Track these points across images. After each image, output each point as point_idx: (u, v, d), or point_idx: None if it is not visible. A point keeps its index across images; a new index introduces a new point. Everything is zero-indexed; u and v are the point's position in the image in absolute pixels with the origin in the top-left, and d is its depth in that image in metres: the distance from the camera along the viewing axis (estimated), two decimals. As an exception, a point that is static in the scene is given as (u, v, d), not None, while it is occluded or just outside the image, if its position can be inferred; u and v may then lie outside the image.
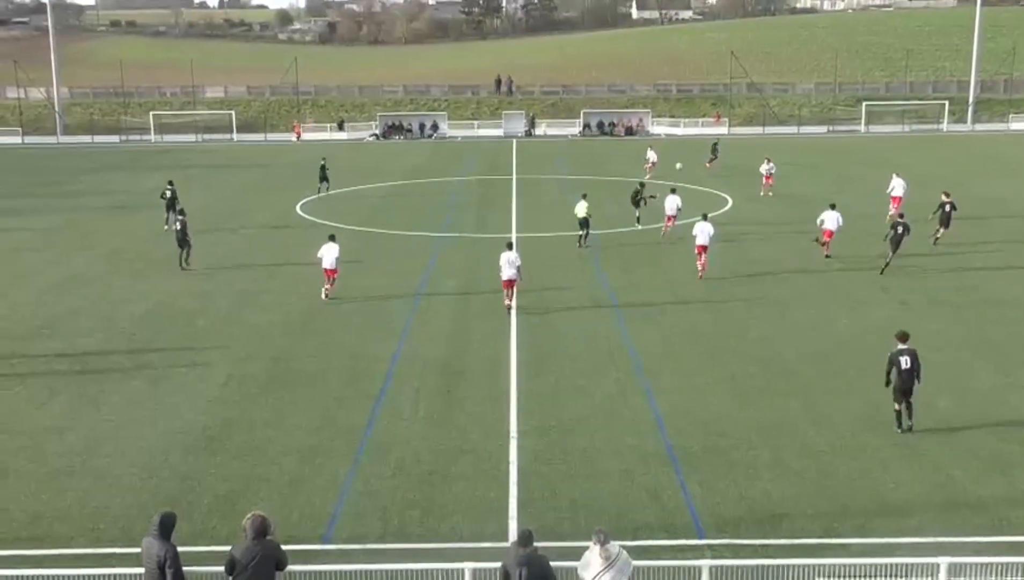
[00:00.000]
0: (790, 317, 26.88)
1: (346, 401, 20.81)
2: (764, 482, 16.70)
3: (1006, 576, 12.04)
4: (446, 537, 14.93)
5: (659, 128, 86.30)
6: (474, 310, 28.10)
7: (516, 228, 39.40)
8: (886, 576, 12.01)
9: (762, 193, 48.59)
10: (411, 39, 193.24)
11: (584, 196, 37.07)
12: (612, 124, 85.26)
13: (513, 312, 27.27)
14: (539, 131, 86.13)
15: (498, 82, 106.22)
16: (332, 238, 29.71)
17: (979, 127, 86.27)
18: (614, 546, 11.54)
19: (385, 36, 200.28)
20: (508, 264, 27.18)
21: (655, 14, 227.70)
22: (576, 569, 11.72)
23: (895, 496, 16.14)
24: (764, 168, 48.95)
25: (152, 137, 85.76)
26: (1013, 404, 20.19)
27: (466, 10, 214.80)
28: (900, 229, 31.94)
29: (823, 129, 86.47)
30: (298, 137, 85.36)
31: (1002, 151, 67.34)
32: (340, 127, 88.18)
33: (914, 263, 32.94)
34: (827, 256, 33.60)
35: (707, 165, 58.87)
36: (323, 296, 29.03)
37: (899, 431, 18.80)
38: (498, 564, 11.90)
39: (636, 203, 40.06)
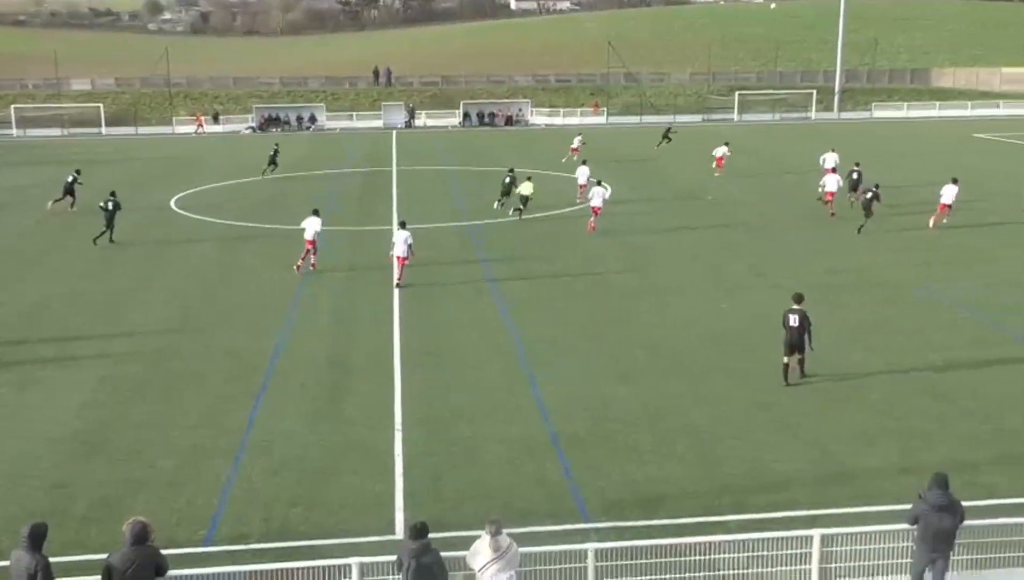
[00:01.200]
0: (673, 302, 27.40)
1: (227, 399, 20.39)
2: (648, 464, 17.01)
3: (873, 543, 12.52)
4: (332, 533, 14.77)
5: (539, 118, 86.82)
6: (357, 303, 27.86)
7: (397, 220, 39.15)
8: (762, 550, 12.36)
9: (717, 174, 50.73)
10: (287, 30, 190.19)
11: (529, 178, 39.94)
12: (492, 114, 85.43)
13: (396, 293, 27.16)
14: (419, 122, 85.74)
15: (376, 73, 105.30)
16: (316, 213, 31.30)
17: (845, 115, 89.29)
18: (505, 538, 11.60)
19: (260, 27, 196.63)
20: (401, 241, 28.66)
21: (534, 4, 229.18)
22: (465, 558, 11.76)
23: (773, 472, 16.64)
24: (718, 151, 51.69)
25: (14, 132, 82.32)
26: (881, 382, 20.99)
27: (343, 0, 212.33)
28: (871, 194, 36.35)
29: (698, 118, 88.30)
30: (200, 128, 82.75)
31: (864, 139, 69.84)
32: (215, 119, 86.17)
33: (787, 247, 34.00)
34: (930, 225, 36.56)
35: (655, 148, 61.93)
36: (295, 268, 30.69)
37: (785, 385, 20.45)
38: (384, 558, 11.84)
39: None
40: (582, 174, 43.02)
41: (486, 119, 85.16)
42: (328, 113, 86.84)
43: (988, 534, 12.70)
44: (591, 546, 12.15)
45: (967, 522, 12.66)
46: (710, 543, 12.39)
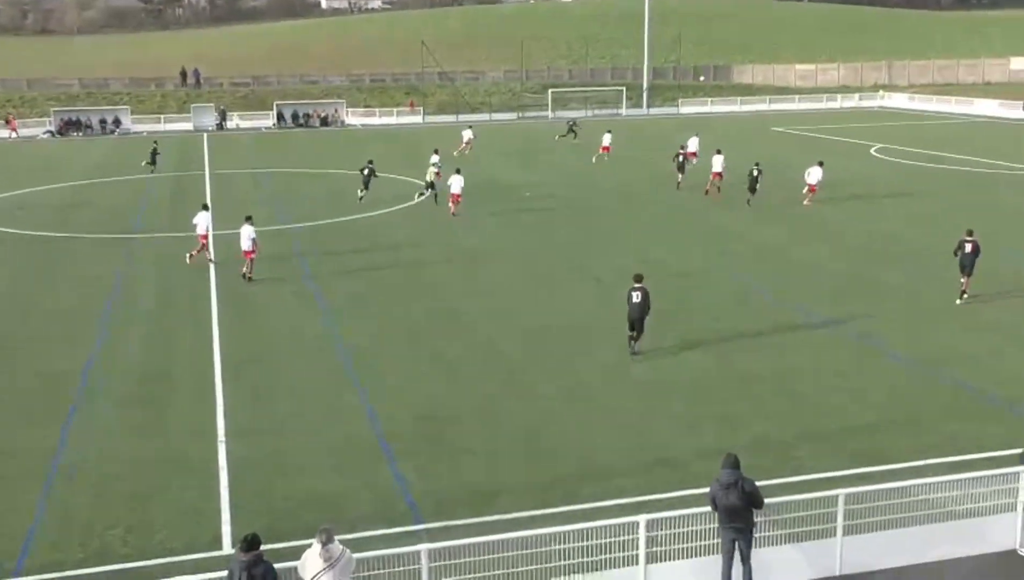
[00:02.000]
0: (496, 300, 27.66)
1: (35, 421, 19.32)
2: (478, 461, 17.14)
3: (697, 525, 13.01)
4: (155, 553, 14.22)
5: (355, 118, 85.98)
6: (172, 312, 26.91)
7: (213, 225, 38.01)
8: (592, 539, 12.63)
9: (603, 156, 54.58)
10: (85, 29, 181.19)
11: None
12: (307, 115, 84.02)
13: (214, 300, 26.40)
14: (231, 124, 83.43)
15: (184, 74, 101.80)
16: (205, 207, 32.67)
17: (654, 111, 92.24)
18: (337, 546, 11.43)
19: (55, 25, 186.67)
20: (246, 237, 29.47)
21: (345, 3, 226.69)
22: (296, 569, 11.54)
23: (600, 462, 17.05)
24: (607, 139, 55.26)
25: None
26: (696, 367, 21.82)
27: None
28: (756, 172, 40.55)
29: (513, 115, 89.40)
30: (14, 132, 77.31)
31: (668, 132, 72.37)
32: (7, 123, 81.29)
33: (605, 239, 34.90)
34: (805, 204, 40.49)
35: (556, 137, 65.30)
36: (187, 259, 31.57)
37: (632, 354, 22.40)
38: (213, 575, 11.51)
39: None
40: (456, 184, 40.04)
41: (301, 120, 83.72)
42: (134, 116, 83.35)
43: (796, 509, 13.36)
44: (424, 547, 12.13)
45: (781, 498, 13.34)
46: (541, 536, 12.57)
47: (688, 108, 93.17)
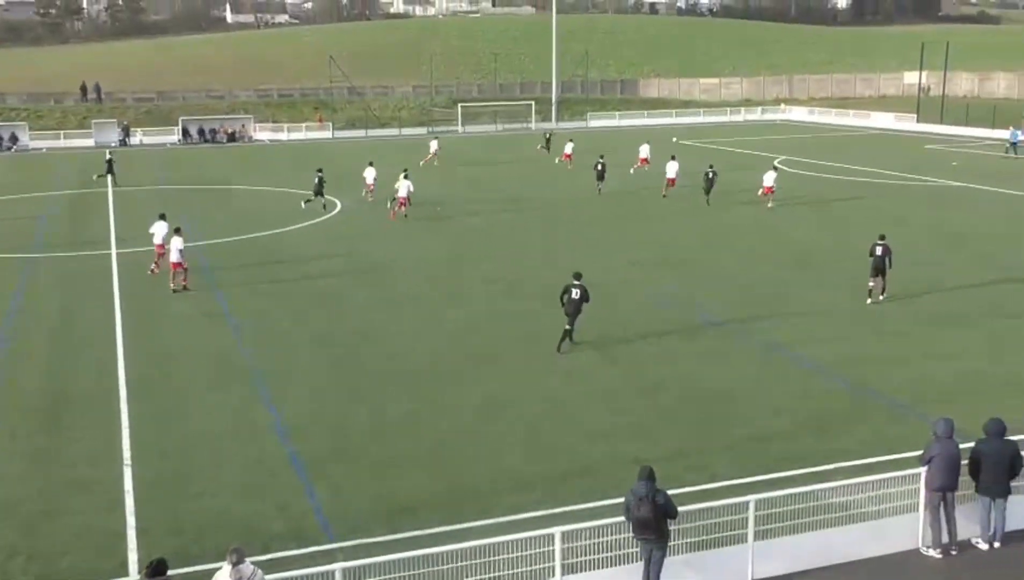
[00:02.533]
0: (407, 314, 27.51)
1: (-72, 447, 18.58)
2: (392, 477, 16.98)
3: (612, 535, 13.08)
4: (58, 581, 13.77)
5: (263, 134, 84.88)
6: (75, 331, 26.16)
7: (115, 244, 37.13)
8: (508, 553, 12.61)
9: (565, 164, 57.29)
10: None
11: (405, 171, 43.39)
12: (214, 131, 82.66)
13: (118, 319, 25.76)
14: (135, 140, 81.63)
15: (84, 89, 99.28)
16: (162, 217, 32.60)
17: (562, 125, 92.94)
18: (248, 567, 11.22)
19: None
20: (174, 249, 29.89)
21: (251, 18, 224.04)
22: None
23: (515, 474, 17.04)
24: (568, 148, 57.81)
25: None
26: (610, 378, 21.99)
27: (41, 11, 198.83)
28: (710, 174, 43.89)
29: (423, 130, 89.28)
30: None
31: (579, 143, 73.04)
32: None
33: (515, 251, 35.01)
34: (769, 206, 43.07)
35: (538, 148, 66.48)
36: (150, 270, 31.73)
37: (558, 352, 23.41)
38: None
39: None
40: (403, 188, 41.85)
41: (207, 135, 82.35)
42: (32, 132, 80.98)
43: (708, 516, 13.53)
44: (339, 566, 11.96)
45: (693, 506, 13.49)
46: (457, 551, 12.50)
47: (596, 122, 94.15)
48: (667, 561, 12.98)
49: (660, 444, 18.20)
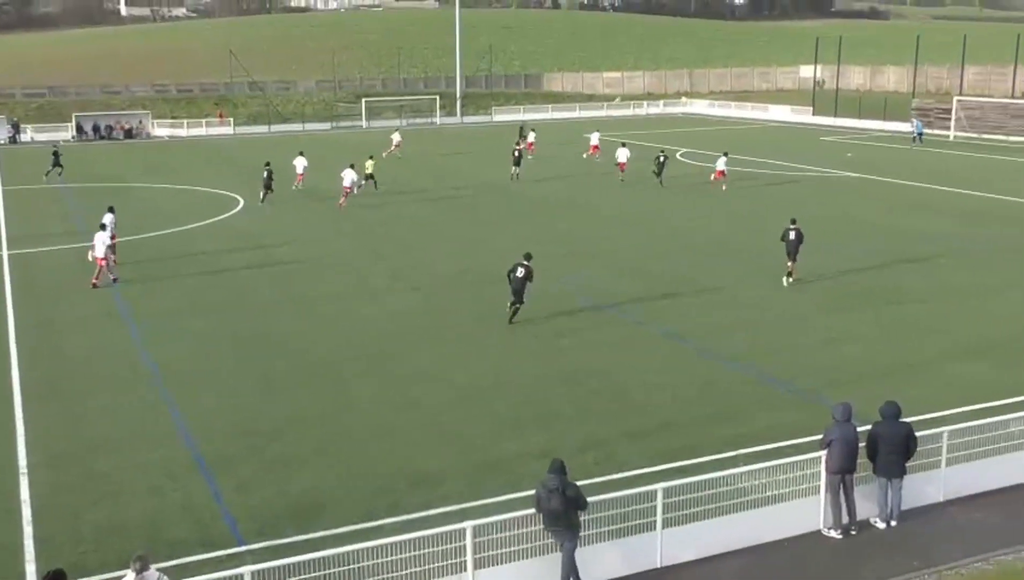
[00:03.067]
0: (316, 312, 27.21)
1: None
2: (301, 476, 16.80)
3: (524, 527, 13.15)
4: (-47, 595, 13.30)
5: (161, 130, 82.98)
6: (-35, 338, 25.25)
7: (7, 245, 35.92)
8: (420, 549, 12.58)
9: (530, 157, 57.17)
10: None
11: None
12: (110, 127, 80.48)
13: (11, 322, 24.95)
14: (25, 137, 79.03)
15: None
16: (105, 221, 31.92)
17: (468, 119, 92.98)
18: (153, 573, 11.00)
19: None
20: (100, 243, 29.71)
21: (147, 11, 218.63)
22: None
23: (425, 469, 16.99)
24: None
25: None
26: (520, 370, 22.09)
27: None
28: (661, 159, 48.10)
29: (327, 125, 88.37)
30: None
31: (488, 142, 73.18)
32: None
33: (422, 250, 34.92)
34: (723, 189, 46.57)
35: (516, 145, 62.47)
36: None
37: (510, 323, 25.22)
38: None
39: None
40: (348, 177, 43.44)
41: (103, 132, 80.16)
42: (-86, 130, 77.84)
43: (618, 505, 13.68)
44: (247, 569, 11.79)
45: (603, 496, 13.64)
46: (368, 549, 12.42)
47: (501, 116, 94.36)
48: (578, 551, 13.10)
49: (568, 435, 18.35)
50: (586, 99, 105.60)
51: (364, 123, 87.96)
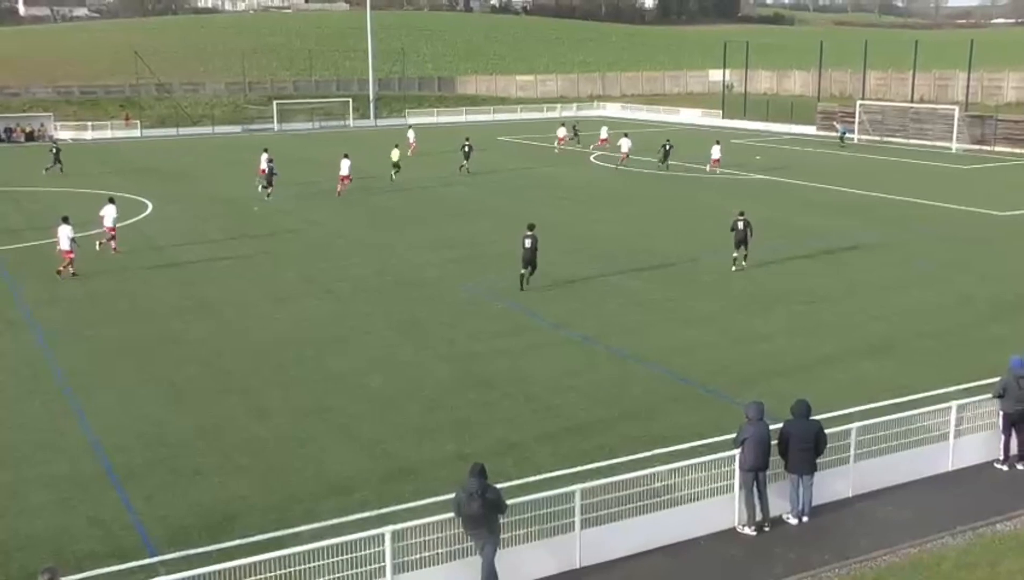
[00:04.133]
0: (224, 317, 26.75)
1: None
2: (213, 485, 16.48)
3: (440, 532, 13.08)
4: None
5: (65, 133, 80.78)
6: None
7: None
8: (337, 555, 12.44)
9: (407, 154, 56.94)
10: None
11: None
12: (9, 130, 78.14)
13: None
14: (-81, 140, 76.31)
15: None
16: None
17: (381, 122, 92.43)
18: (61, 586, 10.69)
19: None
20: (65, 237, 30.54)
21: (46, 11, 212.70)
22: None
23: (339, 476, 16.82)
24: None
25: None
26: (433, 376, 22.01)
27: None
28: (667, 146, 54.22)
29: (238, 128, 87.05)
30: None
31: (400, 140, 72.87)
32: None
33: (336, 251, 34.58)
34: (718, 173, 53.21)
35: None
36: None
37: (522, 289, 28.40)
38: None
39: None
40: (345, 165, 47.04)
41: (2, 135, 77.77)
42: None
43: (536, 507, 13.71)
44: (159, 581, 11.53)
45: (521, 498, 13.66)
46: (284, 557, 12.23)
47: (415, 119, 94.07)
48: (499, 554, 13.08)
49: (483, 439, 18.33)
50: (499, 102, 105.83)
51: (276, 126, 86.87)
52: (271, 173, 46.36)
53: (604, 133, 68.34)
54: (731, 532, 14.96)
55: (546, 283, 29.93)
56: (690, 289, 29.06)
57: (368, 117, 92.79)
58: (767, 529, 15.00)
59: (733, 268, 31.01)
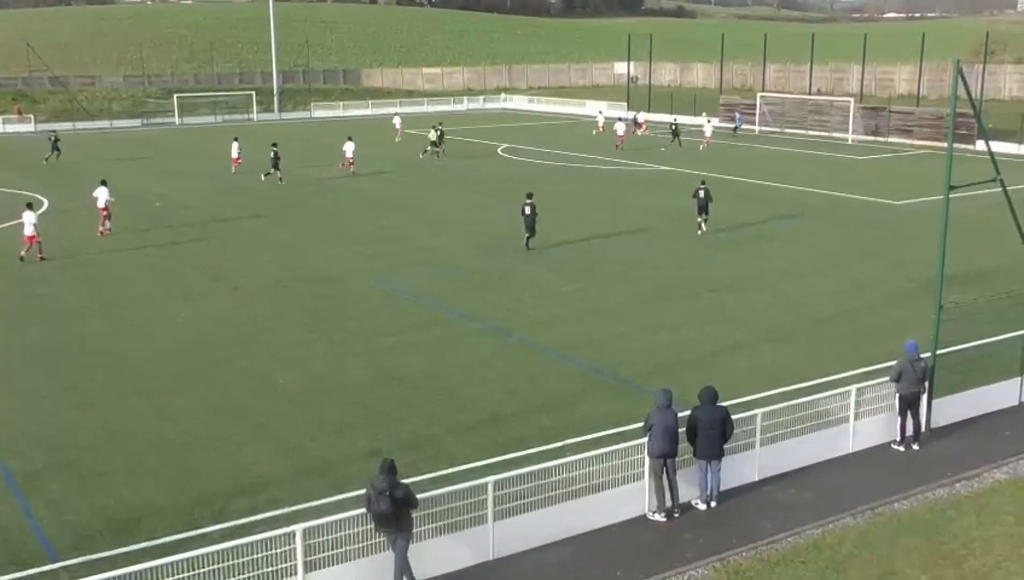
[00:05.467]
0: (128, 318, 26.13)
1: None
2: (118, 488, 16.12)
3: (352, 528, 13.03)
4: None
5: (-47, 127, 77.98)
6: None
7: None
8: (247, 555, 12.29)
9: (344, 167, 52.41)
10: None
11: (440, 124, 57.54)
12: None
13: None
14: None
15: None
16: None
17: (286, 116, 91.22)
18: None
19: None
20: (28, 223, 32.05)
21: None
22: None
23: (250, 476, 16.59)
24: (348, 149, 52.69)
25: None
26: (344, 371, 21.85)
27: None
28: (675, 125, 57.54)
29: (138, 122, 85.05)
30: None
31: (307, 134, 72.07)
32: None
33: (241, 248, 34.05)
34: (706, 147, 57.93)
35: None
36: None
37: (527, 249, 32.44)
38: None
39: None
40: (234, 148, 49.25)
41: None
42: None
43: (449, 500, 13.73)
44: (63, 587, 11.24)
45: (434, 492, 13.67)
46: (192, 558, 12.03)
47: (321, 112, 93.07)
48: (411, 547, 13.07)
49: (395, 434, 18.28)
50: (405, 95, 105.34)
51: (177, 120, 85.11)
52: (276, 158, 48.38)
53: (620, 129, 63.05)
54: (642, 519, 15.18)
55: (457, 277, 29.96)
56: (594, 283, 29.29)
57: (272, 110, 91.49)
58: (677, 515, 15.25)
59: (698, 232, 35.12)
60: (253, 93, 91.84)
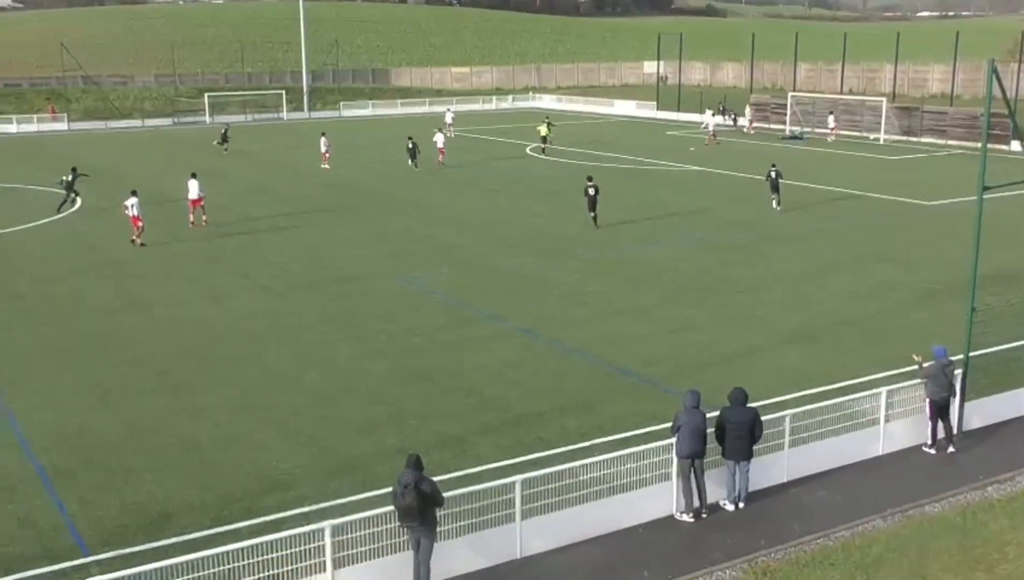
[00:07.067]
0: (153, 315, 26.35)
1: None
2: (147, 485, 16.26)
3: (381, 526, 13.07)
4: None
5: (-11, 126, 78.86)
6: None
7: None
8: (277, 551, 12.36)
9: (325, 165, 54.04)
10: None
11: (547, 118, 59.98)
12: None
13: None
14: None
15: None
16: (194, 175, 36.87)
17: (316, 114, 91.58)
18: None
19: None
20: (193, 189, 35.84)
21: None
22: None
23: (278, 473, 16.69)
24: (323, 145, 54.51)
25: None
26: (372, 370, 21.93)
27: None
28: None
29: (169, 121, 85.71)
30: None
31: (341, 138, 72.36)
32: None
33: (267, 256, 34.24)
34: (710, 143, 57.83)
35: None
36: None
37: (596, 228, 34.63)
38: None
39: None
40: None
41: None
42: None
43: (476, 499, 13.76)
44: (95, 581, 11.37)
45: (461, 490, 13.70)
46: (223, 554, 12.12)
47: (350, 111, 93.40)
48: (437, 546, 13.10)
49: (423, 433, 18.32)
50: (434, 94, 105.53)
51: (208, 118, 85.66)
52: (415, 148, 52.27)
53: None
54: (669, 519, 15.14)
55: (483, 277, 30.00)
56: (620, 285, 29.18)
57: (302, 109, 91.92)
58: (704, 516, 15.21)
59: (774, 206, 39.42)
60: (283, 92, 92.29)
